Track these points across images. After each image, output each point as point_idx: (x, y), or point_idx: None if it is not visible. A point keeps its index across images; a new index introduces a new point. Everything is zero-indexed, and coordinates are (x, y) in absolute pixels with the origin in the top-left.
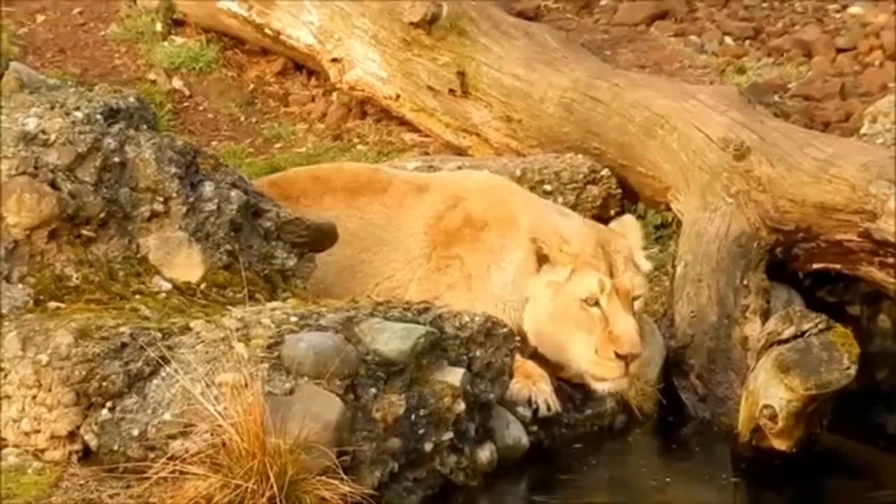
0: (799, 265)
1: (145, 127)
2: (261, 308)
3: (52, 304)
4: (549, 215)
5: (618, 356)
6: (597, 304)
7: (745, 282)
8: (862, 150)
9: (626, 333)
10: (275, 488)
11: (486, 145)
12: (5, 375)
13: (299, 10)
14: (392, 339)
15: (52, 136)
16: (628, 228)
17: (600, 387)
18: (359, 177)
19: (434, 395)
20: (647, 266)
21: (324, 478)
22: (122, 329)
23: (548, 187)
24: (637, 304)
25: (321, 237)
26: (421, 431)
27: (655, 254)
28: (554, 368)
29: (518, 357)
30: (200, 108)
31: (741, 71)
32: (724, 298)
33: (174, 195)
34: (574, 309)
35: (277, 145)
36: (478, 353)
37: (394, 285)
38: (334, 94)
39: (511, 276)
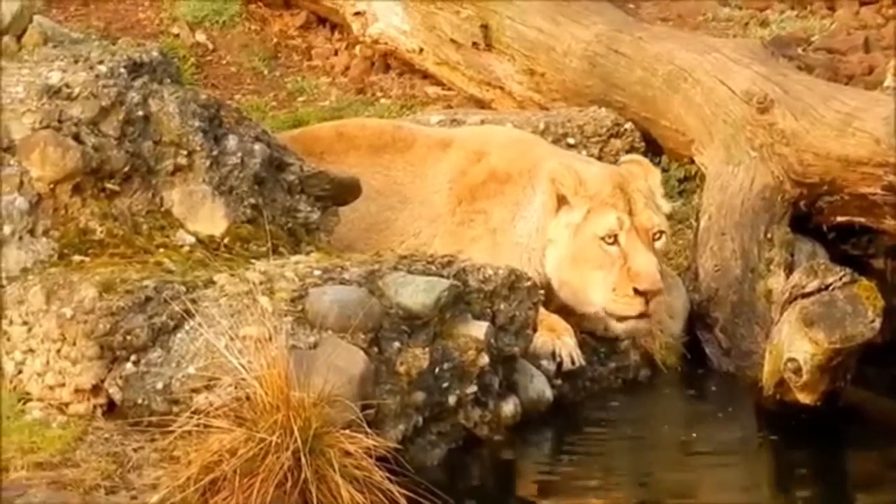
0: (823, 218)
1: (169, 81)
2: (284, 261)
3: (77, 258)
4: (568, 160)
5: (637, 292)
6: (616, 241)
7: (769, 235)
8: (885, 103)
9: (645, 269)
10: (299, 442)
11: (510, 99)
12: (29, 329)
13: None
14: (416, 293)
15: (76, 90)
16: (648, 171)
17: (620, 327)
18: (383, 134)
19: (458, 349)
20: (667, 207)
21: (348, 431)
22: (146, 283)
23: (571, 140)
24: (659, 243)
25: (344, 190)
26: (445, 385)
27: (679, 207)
28: (578, 321)
29: (542, 310)
30: (224, 61)
31: (764, 24)
32: (748, 252)
33: (198, 149)
34: (593, 248)
35: (300, 99)
36: (502, 306)
37: (419, 242)
38: (357, 48)
39: (534, 223)
